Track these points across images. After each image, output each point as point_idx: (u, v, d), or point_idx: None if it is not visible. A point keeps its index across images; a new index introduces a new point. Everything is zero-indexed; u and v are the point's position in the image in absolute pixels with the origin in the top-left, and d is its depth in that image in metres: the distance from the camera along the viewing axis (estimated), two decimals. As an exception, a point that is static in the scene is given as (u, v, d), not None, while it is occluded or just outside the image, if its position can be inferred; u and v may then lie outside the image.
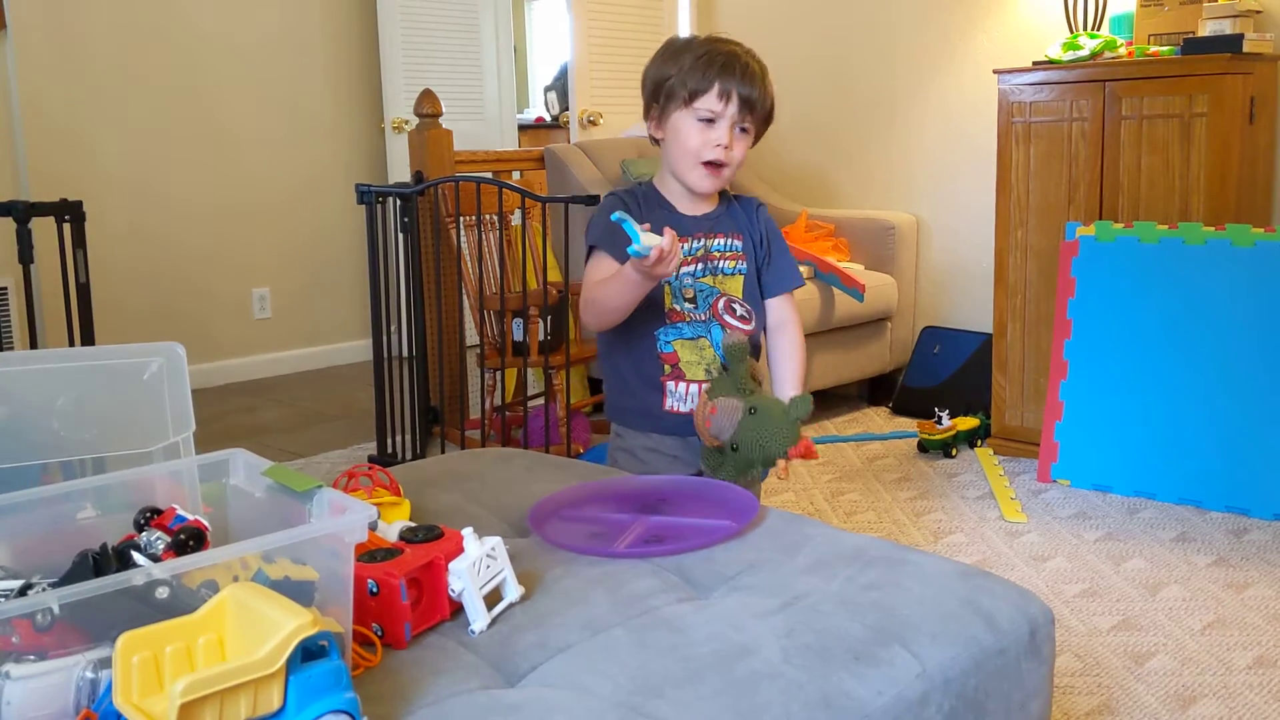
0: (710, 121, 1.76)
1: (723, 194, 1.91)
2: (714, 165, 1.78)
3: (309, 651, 0.95)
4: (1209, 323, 2.97)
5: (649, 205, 1.85)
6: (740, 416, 1.60)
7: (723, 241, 1.86)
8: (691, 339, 1.84)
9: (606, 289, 1.76)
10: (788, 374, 1.88)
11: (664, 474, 1.80)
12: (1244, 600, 2.39)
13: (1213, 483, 2.94)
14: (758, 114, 1.78)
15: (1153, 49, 3.32)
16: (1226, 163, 3.08)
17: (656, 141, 1.86)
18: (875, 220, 4.14)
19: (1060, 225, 3.30)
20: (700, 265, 1.83)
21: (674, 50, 1.82)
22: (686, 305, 1.82)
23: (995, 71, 3.47)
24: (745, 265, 1.87)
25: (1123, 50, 3.36)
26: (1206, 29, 3.25)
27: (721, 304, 1.83)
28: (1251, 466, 2.89)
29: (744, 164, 1.79)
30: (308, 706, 0.93)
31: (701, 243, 1.84)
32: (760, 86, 1.77)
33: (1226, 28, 3.20)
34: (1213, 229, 2.99)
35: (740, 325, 1.81)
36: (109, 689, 0.92)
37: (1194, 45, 3.19)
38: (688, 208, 1.86)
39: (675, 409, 1.84)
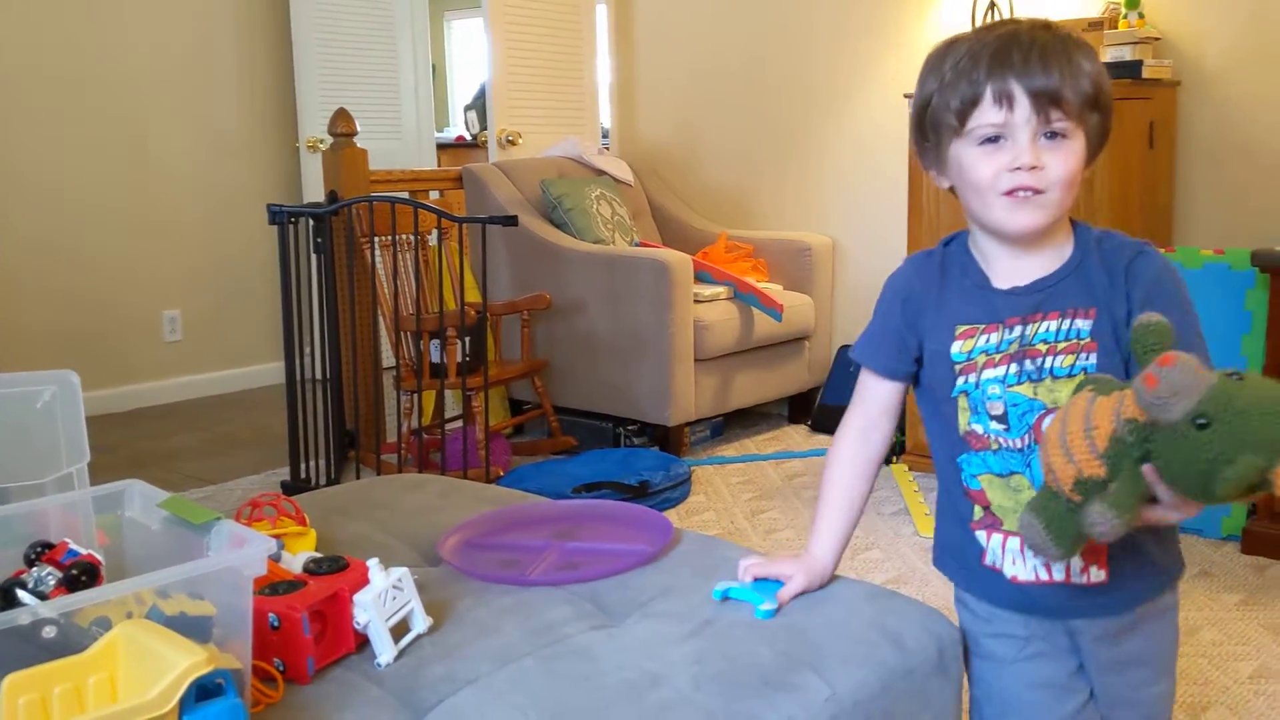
0: (996, 140, 1.16)
1: (1080, 237, 1.24)
2: (1022, 191, 1.16)
3: (205, 690, 0.93)
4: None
5: (954, 275, 1.27)
6: (1216, 380, 0.97)
7: (1054, 326, 1.20)
8: (1002, 476, 1.22)
9: (820, 497, 1.38)
10: None
11: (1015, 660, 1.28)
12: (1149, 612, 2.45)
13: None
14: (1069, 105, 1.15)
15: (1057, 74, 3.41)
16: (1128, 185, 3.17)
17: (952, 191, 1.26)
18: (792, 241, 4.18)
19: (971, 246, 3.36)
20: (1013, 366, 1.20)
21: (935, 59, 1.22)
22: (993, 426, 1.21)
23: (905, 96, 3.52)
24: (1095, 359, 1.18)
25: (1029, 75, 3.45)
26: (1107, 55, 3.35)
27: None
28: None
29: (1073, 182, 1.17)
30: (202, 748, 0.90)
31: (1016, 332, 1.21)
32: (1060, 67, 1.14)
33: (1126, 54, 3.30)
34: (1116, 250, 3.06)
35: None
36: (-9, 735, 0.89)
37: (1096, 71, 3.27)
38: (1008, 275, 1.23)
39: (995, 567, 1.24)
